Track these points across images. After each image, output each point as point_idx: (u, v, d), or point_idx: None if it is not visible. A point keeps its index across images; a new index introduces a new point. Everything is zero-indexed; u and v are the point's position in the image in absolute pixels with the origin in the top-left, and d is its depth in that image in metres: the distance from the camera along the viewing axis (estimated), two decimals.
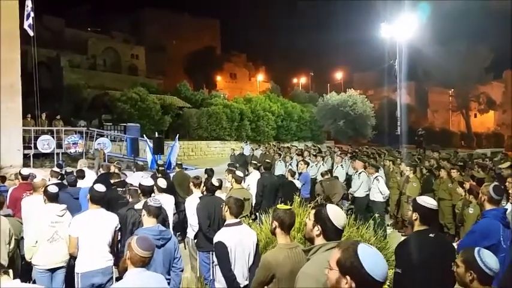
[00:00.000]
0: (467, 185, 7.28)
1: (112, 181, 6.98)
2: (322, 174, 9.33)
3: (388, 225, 9.86)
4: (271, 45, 61.15)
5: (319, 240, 2.47)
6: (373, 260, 1.68)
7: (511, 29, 28.54)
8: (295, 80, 56.79)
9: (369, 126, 29.01)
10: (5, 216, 4.68)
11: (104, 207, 4.58)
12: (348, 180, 10.76)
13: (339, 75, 52.11)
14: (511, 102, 48.85)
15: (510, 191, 5.58)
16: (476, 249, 2.53)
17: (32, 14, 13.23)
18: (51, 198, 4.76)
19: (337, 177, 9.77)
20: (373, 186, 8.78)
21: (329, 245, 2.35)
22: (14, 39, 11.89)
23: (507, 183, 5.93)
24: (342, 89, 35.22)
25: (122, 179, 7.18)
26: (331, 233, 2.45)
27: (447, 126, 47.40)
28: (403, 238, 8.37)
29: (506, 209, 4.01)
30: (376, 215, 7.53)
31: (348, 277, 1.70)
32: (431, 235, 3.19)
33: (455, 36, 36.61)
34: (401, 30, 22.77)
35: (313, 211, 2.58)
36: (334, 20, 54.94)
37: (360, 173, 9.18)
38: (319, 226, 2.47)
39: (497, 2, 34.67)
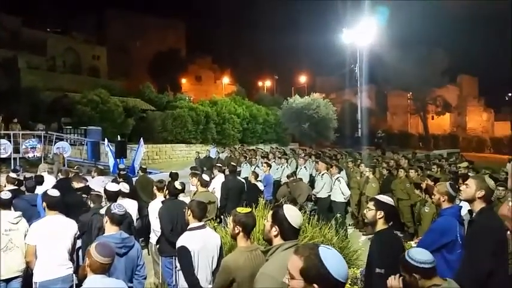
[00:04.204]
0: (424, 185, 7.60)
1: (76, 186, 6.69)
2: (288, 177, 9.47)
3: (349, 225, 10.10)
4: (237, 48, 61.07)
5: (277, 241, 2.50)
6: (336, 263, 1.66)
7: (464, 34, 29.99)
8: (260, 83, 57.01)
9: (331, 129, 29.53)
10: None
11: (62, 212, 4.45)
12: (312, 181, 10.93)
13: (302, 79, 52.83)
14: (465, 105, 51.57)
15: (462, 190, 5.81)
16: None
17: None
18: (4, 205, 4.58)
19: (301, 179, 9.92)
20: (334, 187, 8.97)
21: (286, 245, 2.40)
22: None
23: (460, 182, 6.19)
24: (305, 93, 35.68)
25: (86, 185, 6.91)
26: (289, 232, 2.48)
27: (406, 129, 48.95)
28: (363, 237, 8.71)
29: (461, 207, 4.07)
30: (338, 215, 7.71)
31: (315, 285, 1.64)
32: (395, 232, 3.29)
33: (412, 41, 38.09)
34: (361, 35, 23.42)
35: (271, 212, 2.61)
36: (298, 25, 55.63)
37: (322, 174, 9.35)
38: (276, 227, 2.49)
39: (453, 5, 36.32)
